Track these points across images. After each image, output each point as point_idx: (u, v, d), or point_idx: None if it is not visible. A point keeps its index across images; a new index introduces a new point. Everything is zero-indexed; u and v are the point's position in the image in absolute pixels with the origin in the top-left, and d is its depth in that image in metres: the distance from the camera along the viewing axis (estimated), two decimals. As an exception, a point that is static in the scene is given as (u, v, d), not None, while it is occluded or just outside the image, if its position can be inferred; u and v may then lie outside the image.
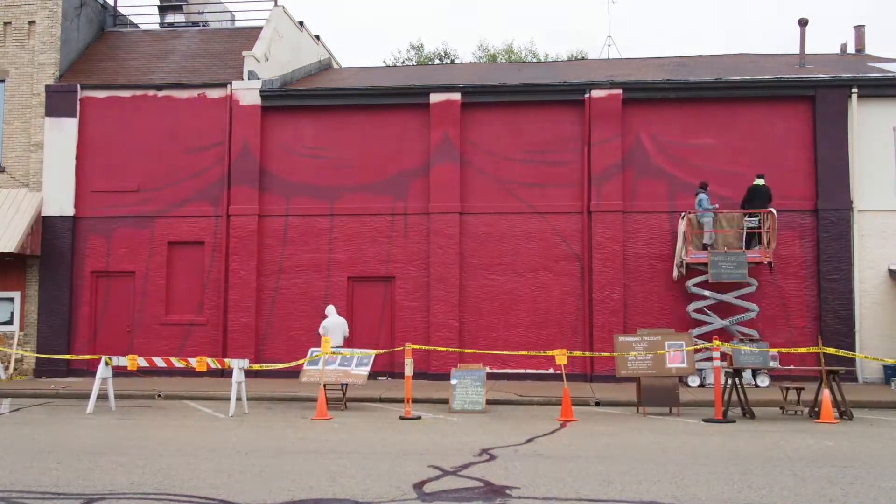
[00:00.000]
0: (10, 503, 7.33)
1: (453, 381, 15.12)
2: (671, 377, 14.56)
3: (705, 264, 18.63)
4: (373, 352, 16.28)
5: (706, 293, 18.88)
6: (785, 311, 19.61)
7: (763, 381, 18.18)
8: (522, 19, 65.71)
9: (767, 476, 8.45)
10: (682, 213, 19.20)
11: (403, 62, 43.12)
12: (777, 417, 14.21)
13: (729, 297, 18.77)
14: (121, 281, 21.65)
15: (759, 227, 18.79)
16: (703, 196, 18.99)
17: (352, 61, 51.06)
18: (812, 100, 20.00)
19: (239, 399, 14.73)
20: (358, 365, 15.77)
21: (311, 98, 21.65)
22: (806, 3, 50.20)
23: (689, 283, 19.07)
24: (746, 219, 18.90)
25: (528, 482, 8.09)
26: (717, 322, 18.74)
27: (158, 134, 21.70)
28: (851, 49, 25.57)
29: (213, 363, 15.35)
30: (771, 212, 18.61)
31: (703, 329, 18.63)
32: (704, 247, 18.80)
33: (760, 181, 18.95)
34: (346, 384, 15.70)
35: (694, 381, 18.19)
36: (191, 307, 21.26)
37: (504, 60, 40.83)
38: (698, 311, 19.00)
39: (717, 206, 19.22)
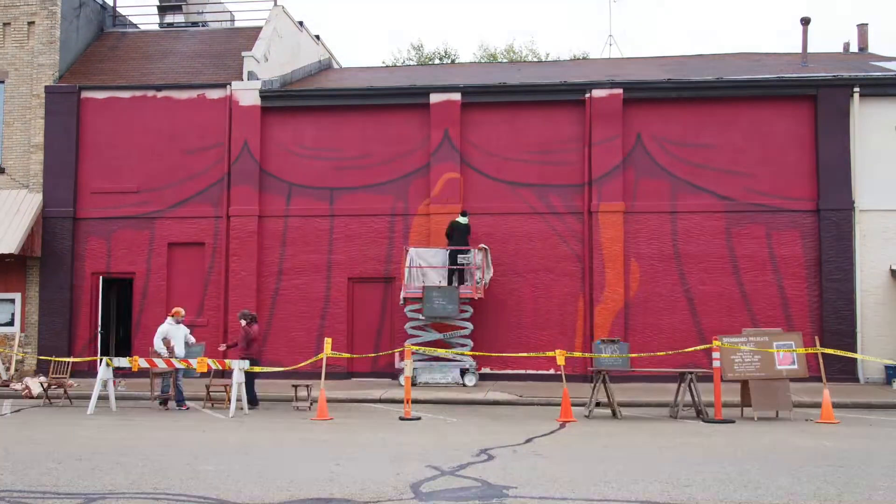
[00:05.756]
0: (11, 503, 7.33)
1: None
2: (781, 378, 14.02)
3: (420, 298, 18.94)
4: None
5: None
6: (786, 312, 19.58)
7: (470, 380, 18.65)
8: (523, 19, 65.73)
9: (764, 476, 8.44)
10: (407, 248, 19.77)
11: (404, 62, 43.07)
12: (777, 418, 14.18)
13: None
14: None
15: (472, 264, 19.29)
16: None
17: (352, 61, 51.10)
18: (814, 99, 19.96)
19: (239, 400, 14.74)
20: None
21: (310, 98, 21.64)
22: (808, 2, 50.15)
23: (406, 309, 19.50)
24: (460, 256, 19.38)
25: (526, 482, 8.09)
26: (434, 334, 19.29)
27: (158, 135, 21.68)
28: (854, 48, 25.55)
29: (214, 364, 15.37)
30: (483, 247, 19.33)
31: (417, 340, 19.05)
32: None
33: (463, 219, 19.50)
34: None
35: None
36: (191, 308, 21.17)
37: (505, 60, 40.77)
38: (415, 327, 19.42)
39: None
